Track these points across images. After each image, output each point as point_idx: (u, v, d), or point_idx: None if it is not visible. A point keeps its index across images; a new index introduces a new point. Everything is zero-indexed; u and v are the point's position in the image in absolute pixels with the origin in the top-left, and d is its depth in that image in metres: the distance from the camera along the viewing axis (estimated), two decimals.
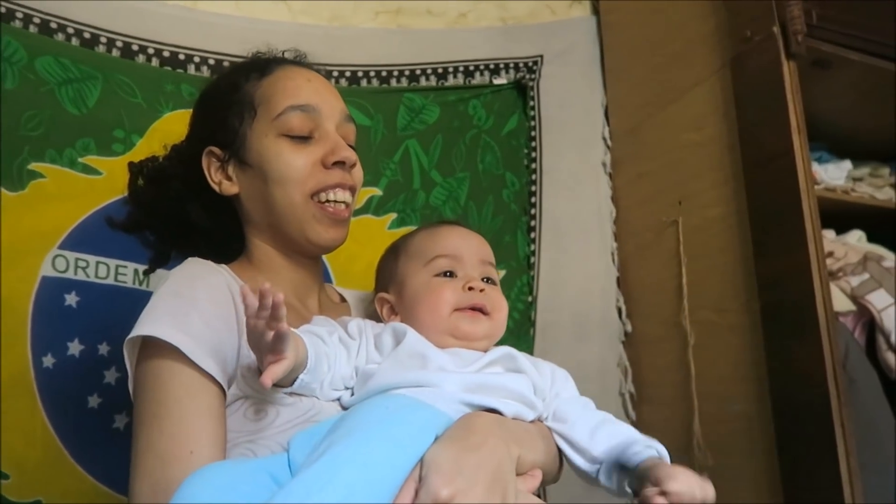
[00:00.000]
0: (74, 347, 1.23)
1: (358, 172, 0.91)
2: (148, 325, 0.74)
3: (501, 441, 0.67)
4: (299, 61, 0.95)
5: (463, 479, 0.60)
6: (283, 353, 0.65)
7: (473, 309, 0.81)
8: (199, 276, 0.81)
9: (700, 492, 0.66)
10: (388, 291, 0.88)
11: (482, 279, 0.85)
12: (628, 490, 0.73)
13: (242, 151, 0.87)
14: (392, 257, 0.91)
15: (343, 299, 1.01)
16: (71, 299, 1.24)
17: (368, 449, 0.59)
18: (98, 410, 1.23)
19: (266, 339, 0.64)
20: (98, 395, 1.23)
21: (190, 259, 0.87)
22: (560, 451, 0.80)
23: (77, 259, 1.25)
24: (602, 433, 0.77)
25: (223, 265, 0.88)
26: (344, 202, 0.88)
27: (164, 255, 1.01)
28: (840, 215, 1.55)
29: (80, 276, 1.25)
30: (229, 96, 0.89)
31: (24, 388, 1.18)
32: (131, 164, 0.99)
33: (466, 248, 0.86)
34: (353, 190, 0.89)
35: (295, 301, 0.90)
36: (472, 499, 0.59)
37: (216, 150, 0.89)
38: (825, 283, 1.25)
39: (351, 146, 0.91)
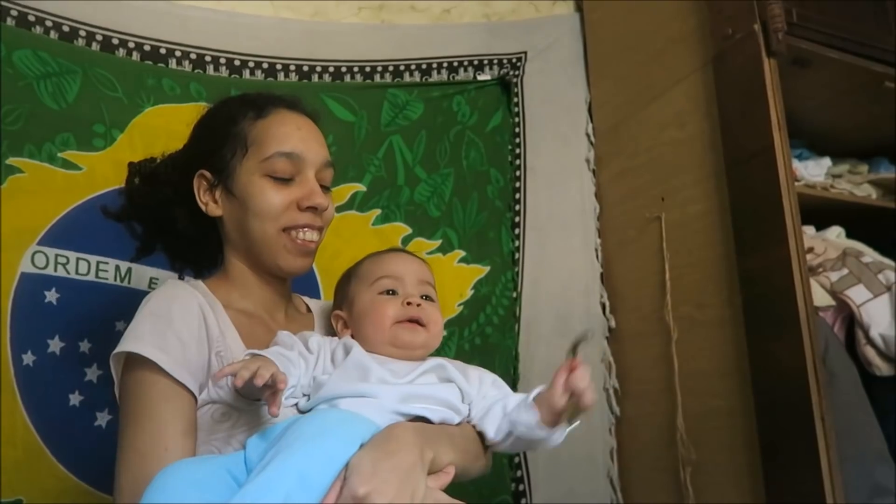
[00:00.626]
0: (55, 345, 1.21)
1: (328, 214, 1.01)
2: (131, 342, 0.85)
3: (416, 447, 0.78)
4: (294, 106, 1.03)
5: (378, 480, 0.71)
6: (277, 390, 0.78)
7: (411, 321, 0.93)
8: (175, 299, 0.91)
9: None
10: (342, 309, 1.00)
11: (421, 296, 0.97)
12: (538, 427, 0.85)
13: (230, 182, 0.98)
14: (346, 280, 1.03)
15: (308, 309, 1.12)
16: (51, 296, 1.22)
17: (304, 461, 0.70)
18: (79, 408, 1.21)
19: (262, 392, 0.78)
20: (79, 392, 1.22)
21: (169, 282, 1.01)
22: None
23: (57, 255, 1.24)
24: (491, 416, 0.90)
25: (199, 282, 1.00)
26: (311, 240, 0.99)
27: (149, 247, 1.10)
28: (820, 211, 1.57)
29: (61, 272, 1.24)
30: (226, 128, 0.99)
31: (3, 386, 1.16)
32: (131, 164, 1.09)
33: (407, 270, 0.98)
34: (320, 230, 1.01)
35: (264, 314, 1.01)
36: (384, 496, 0.70)
37: (207, 174, 0.99)
38: (805, 279, 1.27)
39: (327, 187, 1.02)
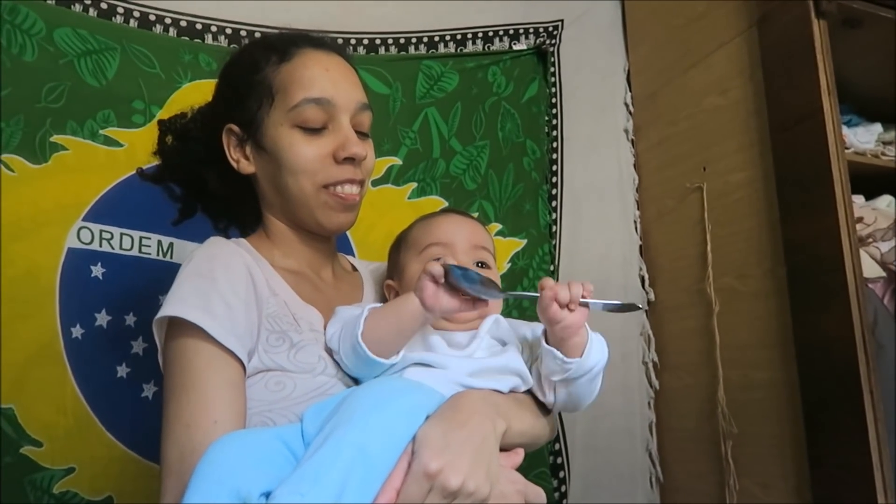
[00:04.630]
0: (102, 318, 1.24)
1: (368, 163, 0.93)
2: (173, 306, 0.79)
3: (486, 417, 0.73)
4: (320, 44, 0.94)
5: (450, 453, 0.66)
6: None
7: None
8: (219, 258, 0.85)
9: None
10: (394, 279, 0.94)
11: (476, 263, 0.89)
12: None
13: (259, 136, 0.90)
14: (396, 248, 0.96)
15: (354, 268, 1.06)
16: (97, 271, 1.25)
17: (364, 434, 0.64)
18: (126, 380, 1.24)
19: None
20: (126, 364, 1.25)
21: (211, 239, 0.91)
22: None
23: (102, 231, 1.26)
24: (537, 381, 0.85)
25: (242, 240, 0.94)
26: (354, 193, 0.91)
27: (190, 209, 1.06)
28: (869, 180, 1.52)
29: (105, 247, 1.26)
30: (249, 77, 0.91)
31: (52, 358, 1.19)
32: (161, 122, 1.04)
33: (458, 234, 0.91)
34: (361, 183, 0.93)
35: (310, 272, 0.95)
36: (458, 471, 0.65)
37: (235, 128, 0.92)
38: (855, 249, 1.23)
39: (365, 133, 0.93)
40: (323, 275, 0.97)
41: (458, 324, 0.86)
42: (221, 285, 0.80)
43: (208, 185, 0.99)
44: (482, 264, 0.90)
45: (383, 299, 0.95)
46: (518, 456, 0.77)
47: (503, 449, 0.75)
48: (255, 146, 0.91)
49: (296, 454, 0.68)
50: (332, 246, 1.00)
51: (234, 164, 0.93)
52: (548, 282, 0.79)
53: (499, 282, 0.91)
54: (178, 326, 0.79)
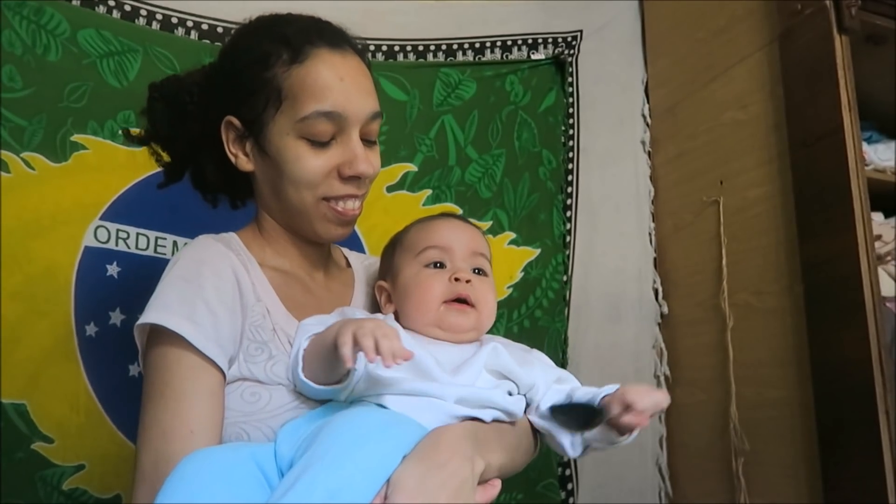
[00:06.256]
0: (116, 317, 1.25)
1: (373, 174, 0.90)
2: (156, 312, 0.77)
3: (466, 459, 0.69)
4: (336, 43, 0.87)
5: (425, 498, 0.63)
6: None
7: (459, 300, 0.84)
8: (206, 262, 0.83)
9: (660, 402, 0.75)
10: (386, 280, 0.91)
11: (473, 270, 0.87)
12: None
13: (262, 138, 0.86)
14: (390, 248, 0.94)
15: (349, 264, 1.05)
16: (112, 269, 1.26)
17: (336, 476, 0.62)
18: (139, 379, 1.23)
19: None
20: (139, 363, 1.24)
21: (199, 239, 0.89)
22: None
23: (118, 230, 1.27)
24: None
25: (233, 235, 0.92)
26: (353, 208, 0.89)
27: (177, 173, 1.01)
28: (889, 197, 1.50)
29: (122, 246, 1.27)
30: (257, 72, 0.85)
31: (66, 355, 1.20)
32: (152, 86, 0.97)
33: (457, 239, 0.88)
34: (363, 197, 0.91)
35: (301, 273, 0.94)
36: None
37: (236, 122, 0.88)
38: (873, 267, 1.22)
39: (373, 141, 0.90)
40: (315, 276, 0.95)
41: (447, 334, 0.84)
42: (207, 292, 0.79)
43: (203, 168, 0.96)
44: (479, 271, 0.88)
45: (375, 298, 0.94)
46: (495, 489, 0.74)
47: (480, 481, 0.73)
48: (257, 147, 0.87)
49: (267, 476, 0.67)
50: (326, 247, 0.98)
51: (231, 158, 0.90)
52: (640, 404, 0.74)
53: (494, 290, 0.89)
54: (161, 333, 0.78)
